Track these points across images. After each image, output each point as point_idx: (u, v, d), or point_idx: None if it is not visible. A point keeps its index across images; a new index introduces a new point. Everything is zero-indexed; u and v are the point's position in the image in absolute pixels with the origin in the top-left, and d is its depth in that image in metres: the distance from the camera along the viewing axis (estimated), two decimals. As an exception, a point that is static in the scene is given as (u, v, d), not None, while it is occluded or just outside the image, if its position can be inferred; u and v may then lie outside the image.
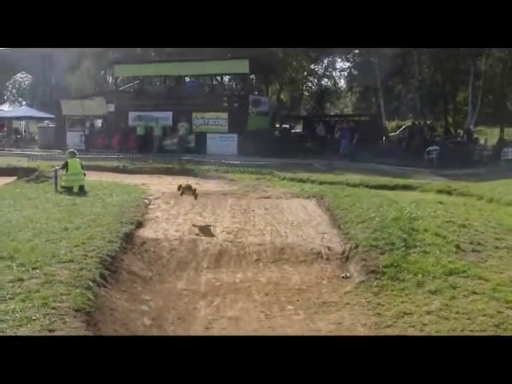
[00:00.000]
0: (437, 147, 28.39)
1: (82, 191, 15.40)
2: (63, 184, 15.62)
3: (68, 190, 15.39)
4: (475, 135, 35.29)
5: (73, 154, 16.39)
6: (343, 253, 10.67)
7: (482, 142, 34.00)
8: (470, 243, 10.72)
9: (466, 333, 7.26)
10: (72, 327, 6.46)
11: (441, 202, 14.76)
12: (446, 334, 7.27)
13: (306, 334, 7.82)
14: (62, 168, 15.79)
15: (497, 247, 10.57)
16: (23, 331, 6.15)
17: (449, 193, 17.55)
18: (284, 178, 20.10)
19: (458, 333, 7.30)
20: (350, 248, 10.61)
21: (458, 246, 10.44)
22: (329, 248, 10.95)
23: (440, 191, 17.75)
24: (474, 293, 8.45)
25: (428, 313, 7.97)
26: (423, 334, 7.46)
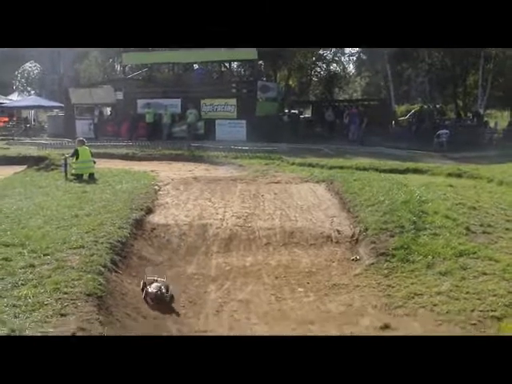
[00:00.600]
0: (446, 131, 28.25)
1: (91, 178, 15.48)
2: (74, 172, 15.71)
3: (78, 177, 15.47)
4: (485, 118, 35.09)
5: (82, 143, 16.46)
6: (353, 236, 10.69)
7: (491, 125, 33.81)
8: (481, 225, 10.72)
9: (477, 313, 7.32)
10: (84, 311, 6.54)
11: (451, 185, 14.71)
12: (456, 315, 7.33)
13: (316, 316, 7.92)
14: (72, 156, 15.87)
15: (507, 229, 10.56)
16: (36, 316, 6.24)
17: (459, 176, 17.48)
18: (293, 163, 20.08)
19: (468, 313, 7.35)
20: (360, 231, 10.62)
21: (468, 228, 10.45)
22: (338, 231, 10.96)
23: (450, 174, 17.68)
24: (485, 274, 8.48)
25: (438, 293, 8.02)
26: (433, 314, 7.53)
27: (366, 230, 10.45)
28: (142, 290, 8.39)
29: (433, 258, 9.10)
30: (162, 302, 8.14)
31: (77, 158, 15.78)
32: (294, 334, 7.21)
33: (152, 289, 8.30)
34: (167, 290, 8.40)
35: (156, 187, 14.45)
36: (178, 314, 7.97)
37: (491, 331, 6.86)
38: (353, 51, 49.07)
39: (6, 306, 6.44)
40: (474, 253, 9.24)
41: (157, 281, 8.59)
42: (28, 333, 5.98)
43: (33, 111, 45.30)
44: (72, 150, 16.30)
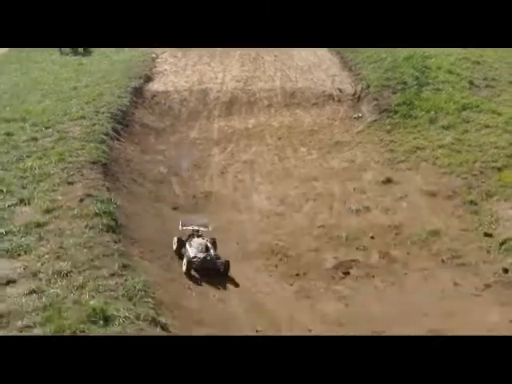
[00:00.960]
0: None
1: (87, 51, 15.13)
2: (68, 44, 15.36)
3: (73, 50, 15.12)
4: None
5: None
6: (355, 94, 10.59)
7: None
8: (484, 79, 10.57)
9: (478, 164, 7.43)
10: (90, 178, 6.65)
11: (455, 41, 14.34)
12: (457, 168, 7.43)
13: (319, 173, 8.09)
14: (66, 28, 15.45)
15: (511, 82, 10.43)
16: (43, 186, 6.36)
17: (464, 31, 17.00)
18: (293, 26, 19.53)
19: (469, 164, 7.46)
20: (362, 88, 10.52)
21: (471, 82, 10.31)
22: (340, 90, 10.85)
23: (455, 30, 17.19)
24: (487, 126, 8.52)
25: (440, 147, 8.10)
26: (435, 167, 7.64)
27: (368, 87, 10.35)
28: (177, 252, 5.95)
29: (435, 112, 9.09)
30: (214, 274, 5.71)
31: (71, 31, 15.39)
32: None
33: (196, 252, 5.80)
34: (215, 247, 6.04)
35: (153, 55, 14.11)
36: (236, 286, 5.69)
37: (491, 181, 7.00)
38: None
39: (13, 178, 6.54)
40: (477, 106, 9.21)
41: (198, 233, 6.16)
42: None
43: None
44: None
